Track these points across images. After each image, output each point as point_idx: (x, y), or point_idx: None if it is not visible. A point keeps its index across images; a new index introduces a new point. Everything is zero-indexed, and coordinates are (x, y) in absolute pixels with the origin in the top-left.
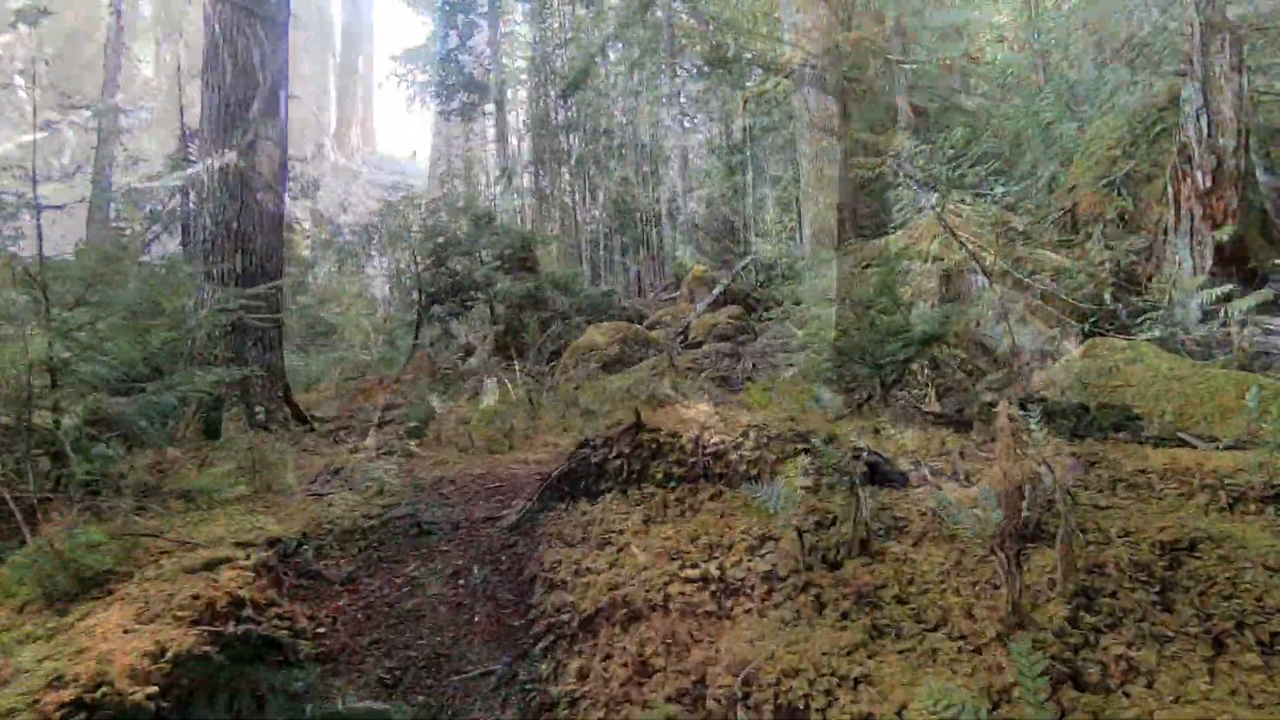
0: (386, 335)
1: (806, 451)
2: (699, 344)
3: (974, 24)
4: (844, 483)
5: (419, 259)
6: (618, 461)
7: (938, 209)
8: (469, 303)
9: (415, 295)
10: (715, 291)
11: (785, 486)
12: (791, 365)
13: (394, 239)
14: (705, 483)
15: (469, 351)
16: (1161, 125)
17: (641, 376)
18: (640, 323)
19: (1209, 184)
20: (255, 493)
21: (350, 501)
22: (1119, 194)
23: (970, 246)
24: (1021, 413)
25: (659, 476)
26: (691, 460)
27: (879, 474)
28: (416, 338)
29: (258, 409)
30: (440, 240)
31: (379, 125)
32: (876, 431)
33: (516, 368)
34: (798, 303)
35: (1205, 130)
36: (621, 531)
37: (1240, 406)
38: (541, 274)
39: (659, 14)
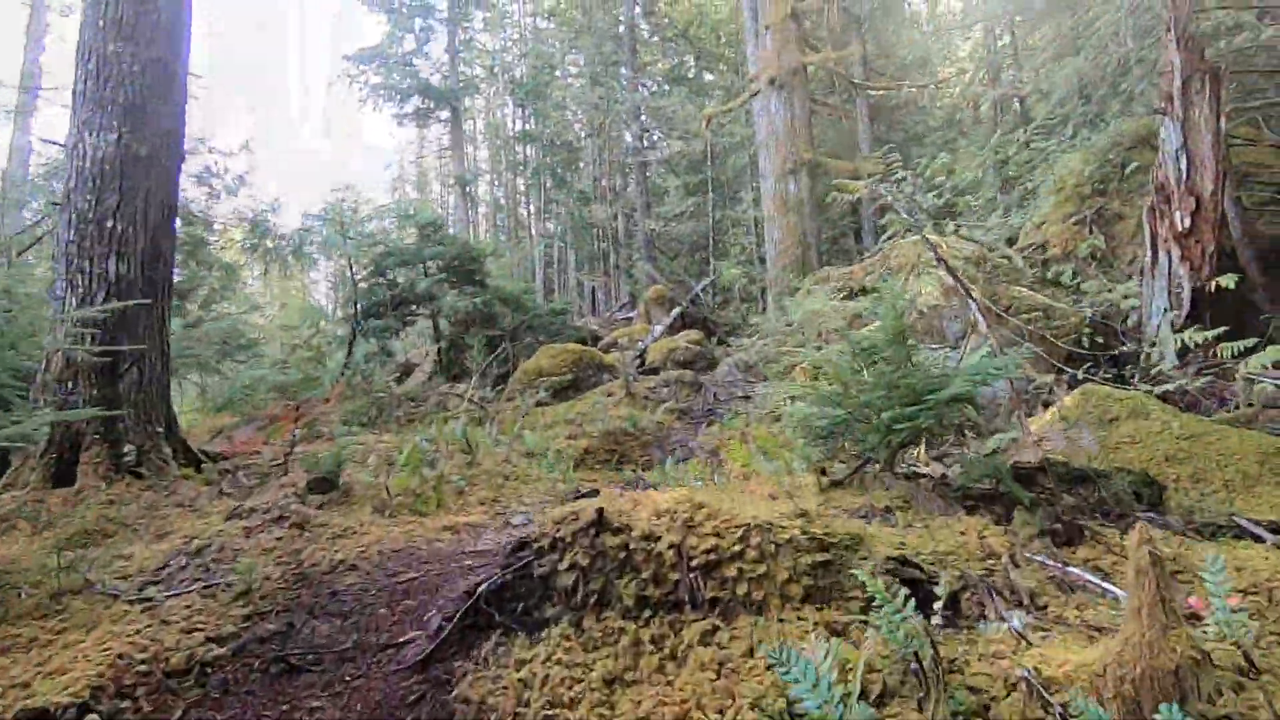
0: (313, 351)
1: (827, 565)
2: (656, 370)
3: (937, 56)
4: (906, 645)
5: (354, 267)
6: (570, 575)
7: (924, 237)
8: (410, 318)
9: (353, 308)
10: (674, 313)
11: (824, 651)
12: (762, 393)
13: (329, 244)
14: (692, 611)
15: (407, 371)
16: (1134, 163)
17: (595, 404)
18: (595, 343)
19: (1188, 225)
20: (57, 598)
21: (195, 611)
22: (1090, 231)
23: (962, 281)
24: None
25: (628, 601)
26: (674, 577)
27: (918, 594)
28: (349, 355)
29: (127, 449)
30: (381, 248)
31: (368, 116)
32: (888, 510)
33: (460, 391)
34: (762, 338)
35: (1184, 171)
36: (574, 703)
37: (1264, 473)
38: (491, 288)
39: (621, 29)
